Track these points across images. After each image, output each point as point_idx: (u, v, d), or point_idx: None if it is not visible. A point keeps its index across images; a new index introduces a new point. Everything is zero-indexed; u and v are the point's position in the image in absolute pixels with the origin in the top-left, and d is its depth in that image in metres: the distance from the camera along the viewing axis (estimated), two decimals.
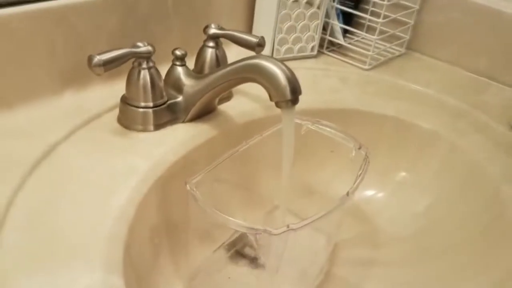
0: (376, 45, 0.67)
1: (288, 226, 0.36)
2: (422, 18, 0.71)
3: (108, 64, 0.41)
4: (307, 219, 0.37)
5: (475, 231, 0.49)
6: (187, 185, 0.38)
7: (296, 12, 0.64)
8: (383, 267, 0.51)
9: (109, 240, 0.34)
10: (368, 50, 0.67)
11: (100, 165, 0.42)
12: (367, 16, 0.69)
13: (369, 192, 0.57)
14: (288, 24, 0.64)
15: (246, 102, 0.55)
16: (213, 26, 0.51)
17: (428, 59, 0.72)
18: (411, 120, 0.58)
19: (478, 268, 0.46)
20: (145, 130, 0.47)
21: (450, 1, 0.68)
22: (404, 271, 0.50)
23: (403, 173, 0.58)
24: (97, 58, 0.40)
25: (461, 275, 0.47)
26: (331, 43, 0.72)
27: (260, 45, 0.50)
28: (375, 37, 0.65)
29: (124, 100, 0.47)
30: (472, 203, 0.51)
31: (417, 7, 0.69)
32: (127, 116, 0.47)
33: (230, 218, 0.36)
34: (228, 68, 0.44)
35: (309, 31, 0.67)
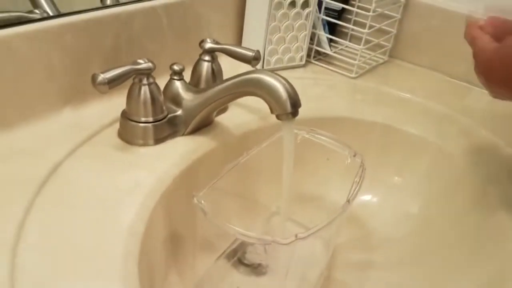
0: (362, 54, 0.70)
1: (296, 236, 0.38)
2: (403, 27, 0.74)
3: (112, 82, 0.42)
4: (313, 227, 0.39)
5: (465, 231, 0.52)
6: (195, 199, 0.39)
7: (285, 24, 0.66)
8: (380, 269, 0.53)
9: (124, 258, 0.35)
10: (354, 59, 0.69)
11: (106, 181, 0.42)
12: (351, 26, 0.71)
13: (363, 197, 0.59)
14: (278, 35, 0.66)
15: (242, 114, 0.56)
16: (209, 40, 0.52)
17: (410, 65, 0.75)
18: (398, 126, 0.60)
19: (469, 267, 0.49)
20: (145, 144, 0.48)
21: (429, 10, 0.71)
22: (400, 272, 0.52)
23: (394, 178, 0.60)
24: (102, 77, 0.41)
25: (454, 274, 0.49)
26: (318, 53, 0.74)
27: (256, 58, 0.51)
28: (361, 46, 0.68)
29: (125, 115, 0.48)
30: (460, 204, 0.54)
31: (399, 16, 0.72)
32: (127, 131, 0.48)
33: (240, 230, 0.37)
34: (229, 82, 0.46)
35: (297, 42, 0.68)
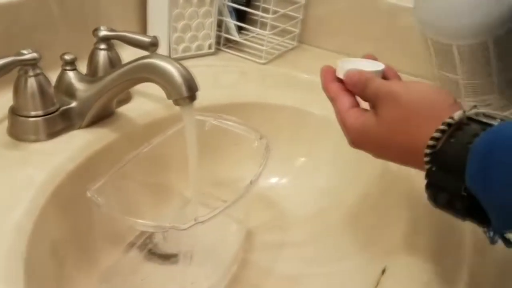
0: (270, 39, 0.71)
1: (195, 220, 0.37)
2: (309, 12, 0.75)
3: None
4: (213, 210, 0.39)
5: (371, 201, 0.54)
6: (88, 192, 0.38)
7: (188, 11, 0.65)
8: (293, 247, 0.54)
9: (7, 256, 0.33)
10: (262, 45, 0.70)
11: None
12: (258, 13, 0.72)
13: (274, 179, 0.60)
14: (182, 23, 0.65)
15: (146, 103, 0.55)
16: (102, 28, 0.50)
17: (318, 50, 0.77)
18: (306, 108, 0.62)
19: (378, 235, 0.51)
20: (37, 140, 0.45)
21: None
22: (314, 247, 0.54)
23: (303, 159, 0.62)
24: None
25: (365, 242, 0.52)
26: (228, 40, 0.73)
27: (154, 44, 0.50)
28: (267, 32, 0.69)
29: (13, 111, 0.45)
30: (364, 180, 0.56)
31: (303, 1, 0.74)
32: (17, 127, 0.45)
33: (136, 220, 0.36)
34: (122, 69, 0.44)
35: (204, 29, 0.68)
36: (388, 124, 0.35)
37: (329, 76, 0.42)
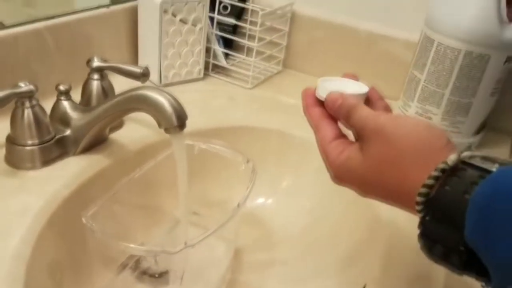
0: (256, 65, 0.74)
1: (185, 243, 0.39)
2: (292, 39, 0.79)
3: None
4: (203, 234, 0.41)
5: (351, 221, 0.57)
6: (83, 219, 0.40)
7: (178, 40, 0.68)
8: (281, 266, 0.56)
9: (7, 281, 0.34)
10: (249, 70, 0.73)
11: None
12: (244, 41, 0.75)
13: (261, 199, 0.63)
14: (172, 51, 0.68)
15: (137, 129, 0.57)
16: (96, 59, 0.52)
17: (302, 74, 0.81)
18: (290, 132, 0.64)
19: (354, 257, 0.53)
20: (33, 167, 0.47)
21: (314, 23, 0.77)
22: (301, 266, 0.56)
23: (289, 180, 0.64)
24: None
25: (341, 265, 0.54)
26: (216, 66, 0.76)
27: (145, 74, 0.52)
28: (252, 59, 0.72)
29: (10, 140, 0.47)
30: (346, 200, 0.58)
31: (287, 29, 0.77)
32: (14, 155, 0.47)
33: (129, 245, 0.38)
34: (115, 100, 0.47)
35: (193, 57, 0.71)
36: (375, 163, 0.33)
37: (310, 100, 0.39)
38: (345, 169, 0.35)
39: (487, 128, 0.65)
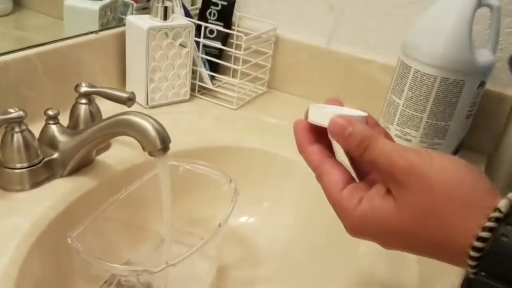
0: (242, 86, 0.76)
1: (167, 263, 0.41)
2: (276, 61, 0.82)
3: None
4: (184, 253, 0.43)
5: (332, 237, 0.59)
6: (68, 239, 0.41)
7: (164, 64, 0.70)
8: (264, 283, 0.58)
9: None
10: (234, 92, 0.76)
11: None
12: (230, 65, 0.78)
13: (244, 218, 0.65)
14: (159, 74, 0.70)
15: (124, 150, 0.59)
16: (83, 84, 0.55)
17: (286, 95, 0.83)
18: (274, 151, 0.67)
19: (336, 273, 0.55)
20: (22, 189, 0.49)
21: (297, 47, 0.80)
22: (282, 283, 0.58)
23: (271, 198, 0.67)
24: None
25: (323, 280, 0.56)
26: (202, 87, 0.79)
27: (131, 99, 0.54)
28: (237, 80, 0.74)
29: (0, 163, 0.49)
30: (326, 218, 0.61)
31: (271, 52, 0.80)
32: (3, 178, 0.49)
33: (111, 264, 0.40)
34: (101, 124, 0.49)
35: (179, 79, 0.73)
36: (415, 214, 0.28)
37: (305, 136, 0.34)
38: (368, 221, 0.30)
39: (463, 148, 0.67)
